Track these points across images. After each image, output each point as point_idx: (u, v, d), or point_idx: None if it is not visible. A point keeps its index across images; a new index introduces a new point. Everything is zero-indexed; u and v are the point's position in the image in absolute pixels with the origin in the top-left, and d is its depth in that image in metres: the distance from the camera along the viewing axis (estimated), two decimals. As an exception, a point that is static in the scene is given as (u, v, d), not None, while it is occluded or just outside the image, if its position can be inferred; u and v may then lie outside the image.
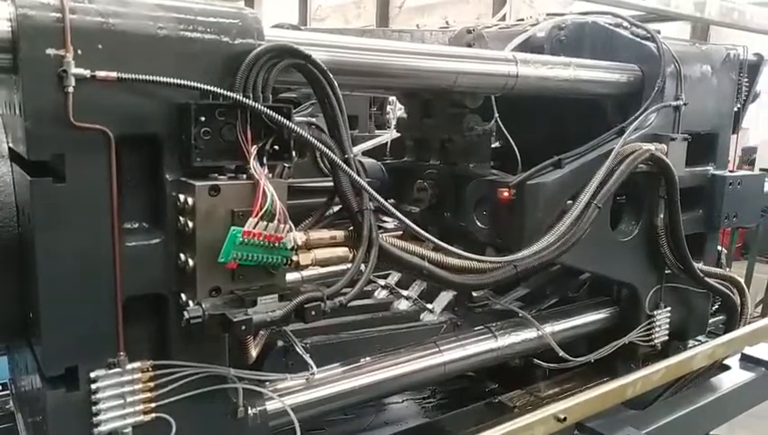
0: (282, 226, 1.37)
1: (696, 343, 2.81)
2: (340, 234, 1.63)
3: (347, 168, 1.56)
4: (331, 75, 1.56)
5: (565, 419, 1.94)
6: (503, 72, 2.00)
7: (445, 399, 2.62)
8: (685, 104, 2.41)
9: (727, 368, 2.89)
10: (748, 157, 11.80)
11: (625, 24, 2.56)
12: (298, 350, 1.83)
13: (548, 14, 2.78)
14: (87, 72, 1.25)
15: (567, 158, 2.15)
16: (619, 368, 2.53)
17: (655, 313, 2.53)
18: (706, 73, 2.55)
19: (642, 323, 2.50)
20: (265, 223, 1.35)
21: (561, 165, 2.13)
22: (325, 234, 1.62)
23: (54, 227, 1.30)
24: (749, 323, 2.87)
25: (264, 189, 1.36)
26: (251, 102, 1.39)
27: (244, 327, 1.30)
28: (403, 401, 2.57)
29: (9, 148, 1.56)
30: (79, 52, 1.25)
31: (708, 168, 2.65)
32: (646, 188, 2.38)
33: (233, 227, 1.33)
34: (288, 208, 1.42)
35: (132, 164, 1.39)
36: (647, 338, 2.53)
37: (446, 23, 3.32)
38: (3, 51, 1.25)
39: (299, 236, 1.43)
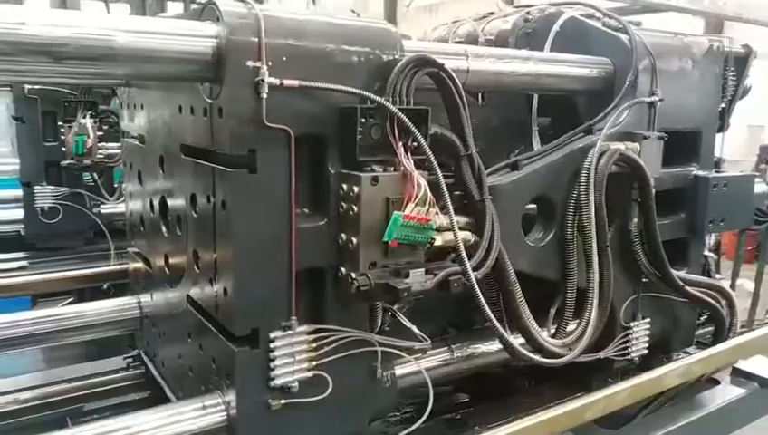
0: (431, 209, 1.62)
1: (684, 355, 2.67)
2: (462, 219, 1.86)
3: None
4: (458, 81, 1.80)
5: None
6: (451, 67, 1.79)
7: (410, 412, 2.34)
8: (660, 100, 2.28)
9: (717, 383, 2.71)
10: (766, 156, 11.66)
11: (597, 14, 2.45)
12: (405, 323, 2.07)
13: (516, 7, 2.72)
14: (277, 81, 1.51)
15: (525, 158, 2.06)
16: (594, 383, 2.37)
17: (631, 324, 2.38)
18: (686, 67, 2.41)
19: (617, 336, 2.35)
20: (419, 208, 1.60)
21: (519, 166, 2.03)
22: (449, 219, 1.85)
23: (247, 210, 1.55)
24: (753, 330, 2.75)
25: (417, 180, 1.60)
26: (393, 107, 1.61)
27: (405, 294, 1.55)
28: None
29: (182, 144, 1.83)
30: (270, 64, 1.51)
31: (691, 168, 2.51)
32: (617, 191, 2.19)
33: (395, 212, 1.57)
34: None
35: (303, 159, 1.64)
36: (623, 352, 2.37)
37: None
38: (206, 63, 1.51)
39: (442, 219, 1.67)
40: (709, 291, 2.56)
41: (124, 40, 1.39)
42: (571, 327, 2.15)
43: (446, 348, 2.17)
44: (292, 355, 1.66)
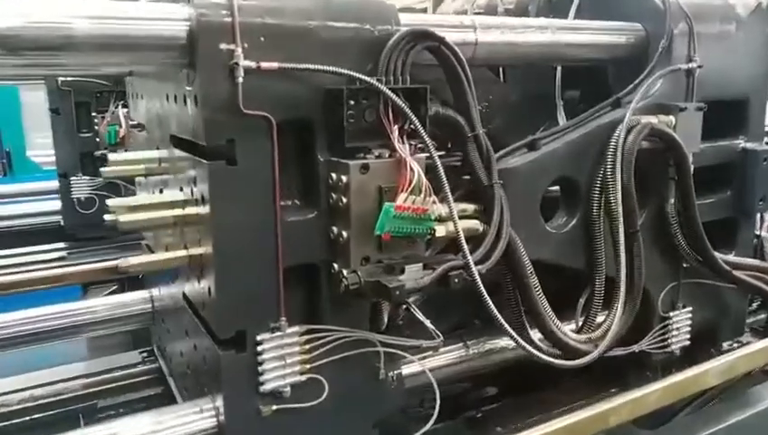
0: (427, 198, 1.47)
1: (737, 344, 2.45)
2: (470, 207, 1.71)
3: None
4: (462, 56, 1.64)
5: None
6: (456, 40, 1.66)
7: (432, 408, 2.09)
8: (699, 67, 2.06)
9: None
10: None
11: None
12: (419, 317, 1.93)
13: None
14: (253, 64, 1.38)
15: (544, 137, 1.88)
16: (631, 378, 2.20)
17: (670, 314, 2.18)
18: (729, 29, 2.17)
19: (654, 328, 2.16)
20: (413, 197, 1.45)
21: (537, 146, 1.86)
22: (455, 207, 1.69)
23: (227, 205, 1.45)
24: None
25: (410, 166, 1.46)
26: (382, 87, 1.46)
27: (398, 292, 1.42)
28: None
29: (171, 135, 1.74)
30: (245, 45, 1.39)
31: (738, 141, 2.28)
32: (652, 169, 2.03)
33: (386, 203, 1.43)
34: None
35: (288, 147, 1.52)
36: (661, 344, 2.18)
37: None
38: (181, 48, 1.40)
39: (441, 208, 1.52)
40: (761, 274, 2.32)
41: (85, 27, 1.29)
42: (600, 319, 1.97)
43: (460, 344, 2.02)
44: (282, 358, 1.55)
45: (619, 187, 1.86)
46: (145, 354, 2.57)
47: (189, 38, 1.39)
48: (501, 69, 2.38)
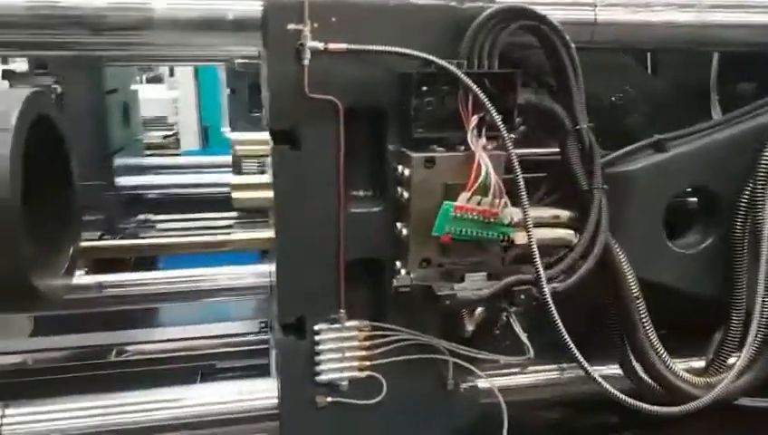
0: (497, 200, 1.30)
1: None
2: (564, 214, 1.49)
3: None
4: (567, 37, 1.41)
5: None
6: (568, 20, 1.45)
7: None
8: None
9: None
10: None
11: None
12: (516, 330, 1.74)
13: None
14: (321, 45, 1.33)
15: (675, 137, 1.59)
16: None
17: None
18: None
19: None
20: (479, 197, 1.29)
21: (665, 147, 1.57)
22: (545, 212, 1.49)
23: (290, 190, 1.42)
24: None
25: (479, 162, 1.29)
26: (457, 71, 1.30)
27: (448, 302, 1.28)
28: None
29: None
30: (315, 25, 1.33)
31: None
32: None
33: (445, 202, 1.29)
34: (506, 182, 1.34)
35: (358, 134, 1.44)
36: None
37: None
38: (258, 29, 1.39)
39: (515, 212, 1.34)
40: None
41: (163, 7, 1.34)
42: (732, 361, 1.61)
43: (555, 366, 1.79)
44: (340, 351, 1.51)
45: None
46: (263, 325, 2.71)
47: (263, 18, 1.37)
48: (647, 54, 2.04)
